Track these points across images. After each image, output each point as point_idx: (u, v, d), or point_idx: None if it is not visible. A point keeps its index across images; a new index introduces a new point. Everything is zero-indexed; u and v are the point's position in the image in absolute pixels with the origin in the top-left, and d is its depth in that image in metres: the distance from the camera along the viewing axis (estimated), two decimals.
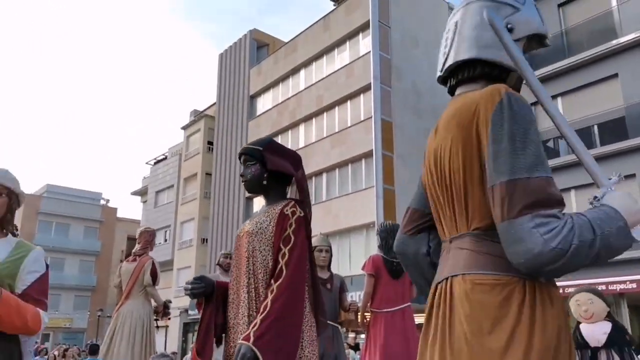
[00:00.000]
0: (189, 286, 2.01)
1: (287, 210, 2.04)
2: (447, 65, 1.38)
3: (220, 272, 5.51)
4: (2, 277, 1.83)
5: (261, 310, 1.86)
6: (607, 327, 3.01)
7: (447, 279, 1.22)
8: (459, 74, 1.37)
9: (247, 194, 22.83)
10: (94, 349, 7.28)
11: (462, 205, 1.22)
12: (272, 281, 1.93)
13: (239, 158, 2.20)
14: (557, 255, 1.03)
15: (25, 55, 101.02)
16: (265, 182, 2.12)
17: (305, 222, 2.06)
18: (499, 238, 1.11)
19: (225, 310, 2.07)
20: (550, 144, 15.34)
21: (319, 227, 19.09)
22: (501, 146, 1.13)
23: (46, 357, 13.86)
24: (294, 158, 2.20)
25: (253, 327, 1.82)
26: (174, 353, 17.68)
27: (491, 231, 1.16)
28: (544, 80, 14.99)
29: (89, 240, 38.27)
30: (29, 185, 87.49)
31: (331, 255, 4.21)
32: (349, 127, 20.02)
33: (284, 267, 1.94)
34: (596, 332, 2.99)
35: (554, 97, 15.02)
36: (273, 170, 2.11)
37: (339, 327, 4.25)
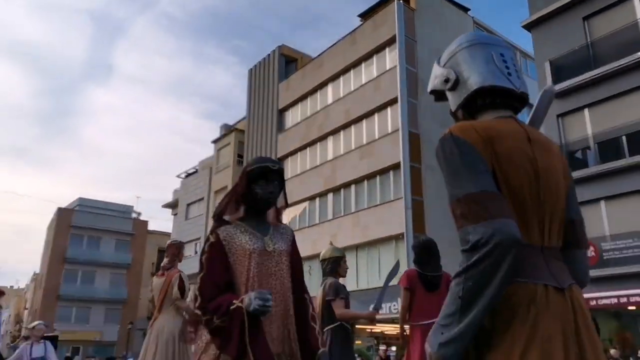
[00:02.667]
0: (268, 304, 2.07)
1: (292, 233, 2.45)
2: (519, 89, 1.46)
3: None
4: None
5: (311, 318, 2.33)
6: None
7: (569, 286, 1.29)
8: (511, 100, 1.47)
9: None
10: None
11: (558, 222, 1.36)
12: (305, 295, 2.35)
13: (268, 173, 2.29)
14: None
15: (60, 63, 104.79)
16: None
17: None
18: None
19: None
20: (579, 154, 15.47)
21: (348, 238, 19.43)
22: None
23: None
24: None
25: (318, 336, 2.27)
26: None
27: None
28: (571, 92, 15.21)
29: (120, 253, 38.88)
30: (61, 199, 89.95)
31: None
32: (377, 139, 20.41)
33: (303, 282, 2.36)
34: None
35: (581, 108, 15.20)
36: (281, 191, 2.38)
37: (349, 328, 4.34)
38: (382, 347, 16.15)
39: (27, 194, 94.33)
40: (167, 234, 36.43)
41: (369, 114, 21.09)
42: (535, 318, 1.17)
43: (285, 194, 2.42)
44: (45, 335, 6.75)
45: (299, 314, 2.32)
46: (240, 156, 28.73)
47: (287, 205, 2.50)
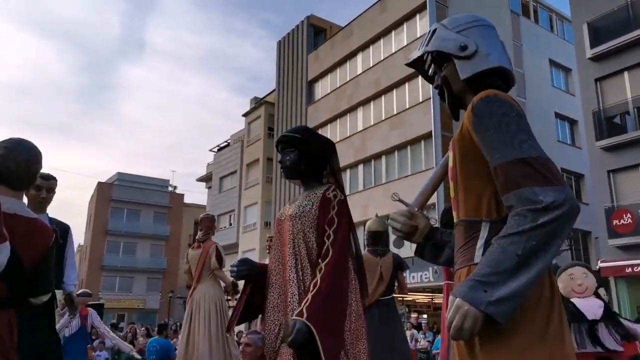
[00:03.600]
0: (235, 268, 2.17)
1: (329, 194, 2.16)
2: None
3: None
4: None
5: (311, 288, 1.98)
6: (599, 301, 2.99)
7: None
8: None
9: None
10: (161, 329, 7.71)
11: None
12: (320, 260, 2.05)
13: (277, 146, 2.32)
14: None
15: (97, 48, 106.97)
16: (302, 168, 2.26)
17: (346, 205, 2.18)
18: None
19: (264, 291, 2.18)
20: (617, 119, 14.97)
21: (379, 209, 19.51)
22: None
23: (121, 333, 15.09)
24: (328, 145, 2.33)
25: (305, 304, 1.92)
26: (240, 332, 18.67)
27: None
28: (609, 55, 14.61)
29: (158, 225, 40.14)
30: (101, 174, 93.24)
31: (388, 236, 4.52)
32: (407, 109, 20.22)
33: (330, 248, 2.05)
34: (592, 306, 2.94)
35: (620, 72, 14.61)
36: (310, 156, 2.25)
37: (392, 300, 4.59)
38: (414, 315, 16.37)
39: (69, 170, 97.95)
40: (203, 207, 37.40)
41: (399, 84, 20.84)
42: (556, 299, 1.24)
43: (317, 158, 2.29)
44: (91, 303, 7.17)
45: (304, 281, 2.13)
46: (270, 129, 28.98)
47: (332, 162, 2.34)
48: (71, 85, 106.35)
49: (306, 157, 2.25)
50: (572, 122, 23.02)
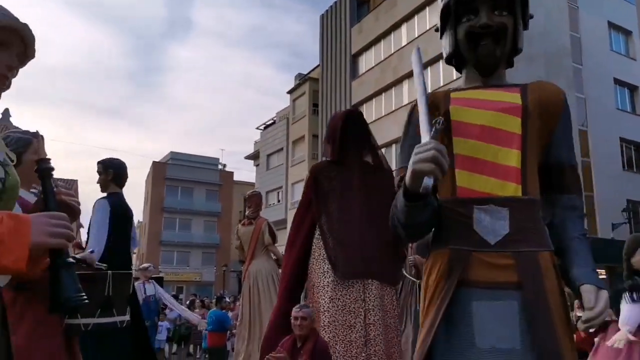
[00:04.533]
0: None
1: None
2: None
3: None
4: None
5: None
6: None
7: None
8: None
9: None
10: (219, 300, 8.01)
11: None
12: None
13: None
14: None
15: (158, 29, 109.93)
16: None
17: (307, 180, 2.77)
18: None
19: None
20: None
21: None
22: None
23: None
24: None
25: None
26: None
27: None
28: None
29: (210, 202, 41.39)
30: (156, 154, 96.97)
31: None
32: (455, 79, 19.56)
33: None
34: None
35: None
36: None
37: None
38: None
39: (125, 150, 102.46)
40: (251, 184, 38.15)
41: None
42: None
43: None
44: (152, 276, 7.60)
45: None
46: (315, 105, 28.90)
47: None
48: (121, 68, 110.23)
49: None
50: (633, 89, 21.52)
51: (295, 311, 2.90)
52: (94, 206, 3.47)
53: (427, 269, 1.34)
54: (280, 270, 5.43)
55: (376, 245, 2.61)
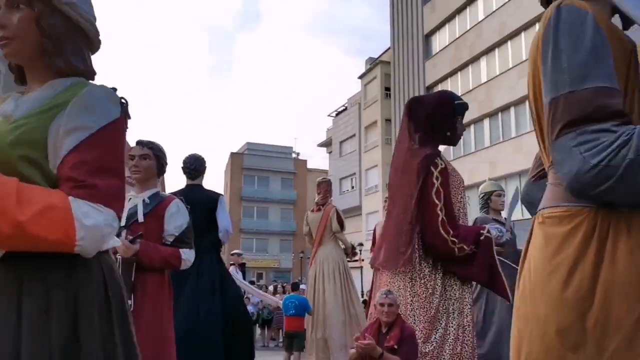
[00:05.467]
0: (501, 233, 2.30)
1: None
2: None
3: None
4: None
5: None
6: None
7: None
8: None
9: None
10: (295, 286, 8.10)
11: (542, 138, 1.10)
12: None
13: (464, 112, 2.44)
14: (602, 173, 0.88)
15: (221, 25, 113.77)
16: None
17: None
18: None
19: None
20: None
21: (508, 165, 18.16)
22: (547, 63, 1.01)
23: (262, 290, 16.20)
24: None
25: None
26: (369, 291, 19.01)
27: None
28: None
29: (285, 190, 42.32)
30: (233, 144, 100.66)
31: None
32: None
33: None
34: None
35: None
36: None
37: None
38: None
39: (204, 142, 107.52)
40: (325, 171, 38.36)
41: (528, 25, 18.73)
42: None
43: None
44: (235, 262, 7.89)
45: None
46: (387, 89, 28.28)
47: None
48: (199, 63, 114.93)
49: None
50: None
51: (381, 297, 2.84)
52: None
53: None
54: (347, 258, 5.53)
55: (390, 233, 2.60)
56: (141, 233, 2.38)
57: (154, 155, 2.65)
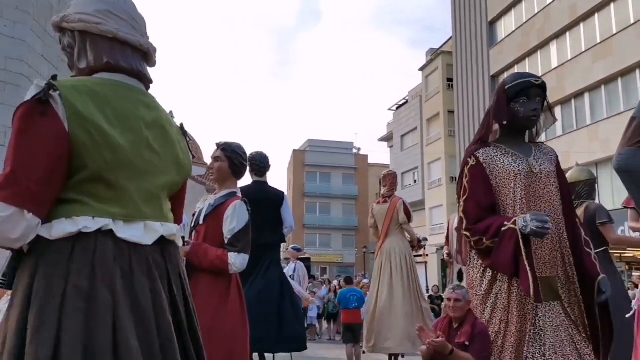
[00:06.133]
0: (548, 225, 2.07)
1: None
2: None
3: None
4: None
5: (585, 243, 2.21)
6: None
7: None
8: None
9: None
10: (349, 280, 8.20)
11: None
12: (576, 219, 2.28)
13: (530, 89, 2.19)
14: None
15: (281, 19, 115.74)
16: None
17: None
18: None
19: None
20: None
21: (583, 155, 17.14)
22: None
23: (325, 286, 16.32)
24: None
25: (595, 262, 2.18)
26: (435, 286, 18.79)
27: None
28: None
29: (347, 186, 42.52)
30: (295, 142, 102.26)
31: None
32: (615, 34, 17.00)
33: (572, 204, 2.33)
34: None
35: None
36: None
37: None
38: (636, 274, 14.44)
39: (267, 140, 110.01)
40: (386, 166, 38.08)
41: (602, 6, 17.59)
42: None
43: (551, 110, 2.36)
44: (299, 257, 8.07)
45: (572, 238, 2.24)
46: (449, 80, 27.59)
47: (555, 121, 2.41)
48: (261, 63, 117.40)
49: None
50: None
51: (449, 292, 2.84)
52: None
53: None
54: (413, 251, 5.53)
55: None
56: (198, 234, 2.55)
57: (227, 157, 2.66)
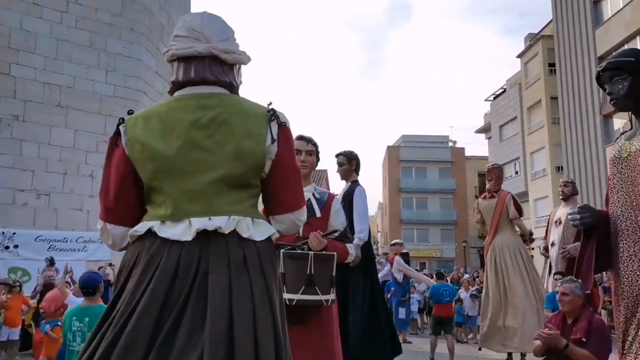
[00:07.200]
0: (577, 216, 1.91)
1: None
2: None
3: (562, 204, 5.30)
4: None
5: None
6: None
7: None
8: None
9: (605, 112, 20.57)
10: (440, 275, 8.32)
11: None
12: None
13: (599, 76, 2.03)
14: None
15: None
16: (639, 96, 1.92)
17: None
18: None
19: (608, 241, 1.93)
20: None
21: None
22: None
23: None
24: None
25: None
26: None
27: None
28: None
29: (444, 180, 41.69)
30: (389, 138, 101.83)
31: None
32: None
33: None
34: None
35: None
36: None
37: None
38: None
39: (360, 138, 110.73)
40: (484, 158, 36.90)
41: None
42: None
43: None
44: (401, 251, 8.53)
45: None
46: (551, 65, 26.17)
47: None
48: (354, 63, 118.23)
49: None
50: None
51: (558, 285, 2.80)
52: (354, 193, 3.87)
53: None
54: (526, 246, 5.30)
55: None
56: (334, 230, 2.47)
57: (316, 152, 2.68)
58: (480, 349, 5.86)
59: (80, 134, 10.78)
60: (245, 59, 1.49)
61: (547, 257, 5.37)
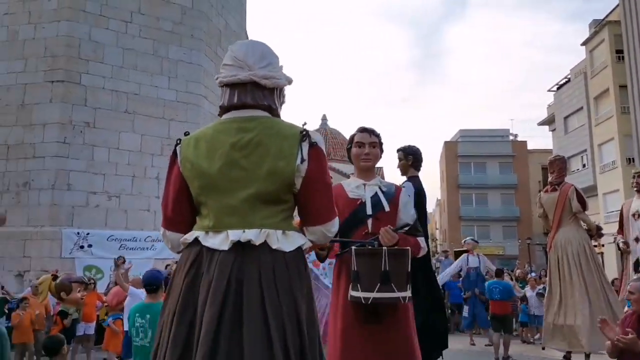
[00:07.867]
0: None
1: None
2: None
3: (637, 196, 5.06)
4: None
5: None
6: None
7: None
8: None
9: None
10: (499, 272, 7.97)
11: None
12: None
13: None
14: None
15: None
16: None
17: None
18: None
19: None
20: None
21: None
22: None
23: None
24: None
25: None
26: (615, 279, 17.15)
27: None
28: None
29: (505, 175, 40.36)
30: (447, 133, 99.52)
31: None
32: None
33: None
34: None
35: None
36: None
37: None
38: None
39: (416, 134, 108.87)
40: (548, 151, 35.24)
41: None
42: None
43: None
44: (458, 250, 8.32)
45: None
46: (619, 51, 24.60)
47: None
48: (407, 59, 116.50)
49: None
50: None
51: (628, 284, 2.75)
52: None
53: None
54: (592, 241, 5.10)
55: None
56: (405, 224, 2.39)
57: (379, 144, 2.61)
58: (543, 348, 5.68)
59: (146, 138, 11.35)
60: (284, 82, 1.62)
61: (627, 252, 5.06)
